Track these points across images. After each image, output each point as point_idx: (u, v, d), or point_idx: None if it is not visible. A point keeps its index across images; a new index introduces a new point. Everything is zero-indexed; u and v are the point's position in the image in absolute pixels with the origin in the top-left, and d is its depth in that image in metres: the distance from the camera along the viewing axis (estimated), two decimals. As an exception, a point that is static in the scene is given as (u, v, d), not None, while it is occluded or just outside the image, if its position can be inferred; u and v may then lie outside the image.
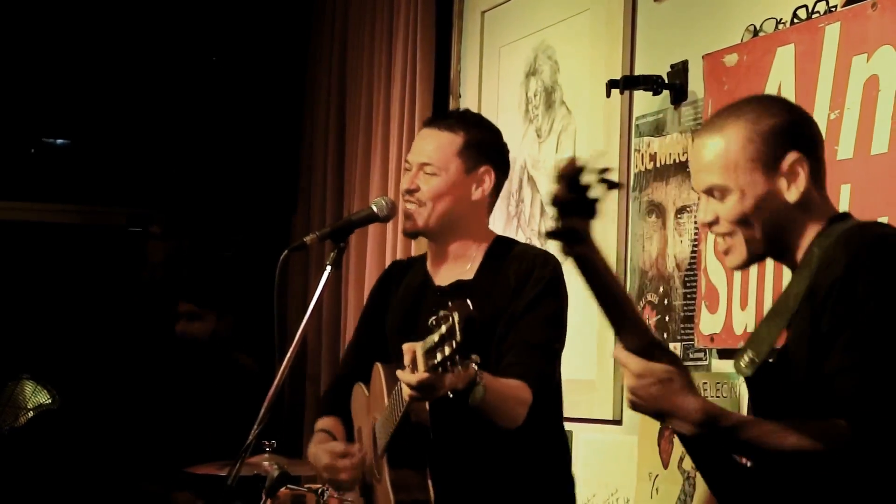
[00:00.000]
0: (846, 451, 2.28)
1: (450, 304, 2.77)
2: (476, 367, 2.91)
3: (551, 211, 2.19)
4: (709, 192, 2.50)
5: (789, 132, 2.48)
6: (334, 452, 3.37)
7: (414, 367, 2.87)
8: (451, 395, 2.94)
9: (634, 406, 2.36)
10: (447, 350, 2.73)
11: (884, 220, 3.17)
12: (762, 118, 2.48)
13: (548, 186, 2.21)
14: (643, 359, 2.32)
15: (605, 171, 2.17)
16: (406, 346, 2.91)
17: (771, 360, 2.42)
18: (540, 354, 3.24)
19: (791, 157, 2.45)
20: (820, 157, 2.52)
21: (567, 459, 3.45)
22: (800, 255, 2.48)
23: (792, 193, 2.46)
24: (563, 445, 3.44)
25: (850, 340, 2.30)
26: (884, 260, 2.33)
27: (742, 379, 2.54)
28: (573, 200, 2.17)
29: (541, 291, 3.27)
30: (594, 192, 2.17)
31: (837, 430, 2.28)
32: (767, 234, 2.47)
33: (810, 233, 2.47)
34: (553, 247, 2.27)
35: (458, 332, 2.71)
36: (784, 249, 2.50)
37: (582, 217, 2.19)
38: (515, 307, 3.26)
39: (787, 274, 2.54)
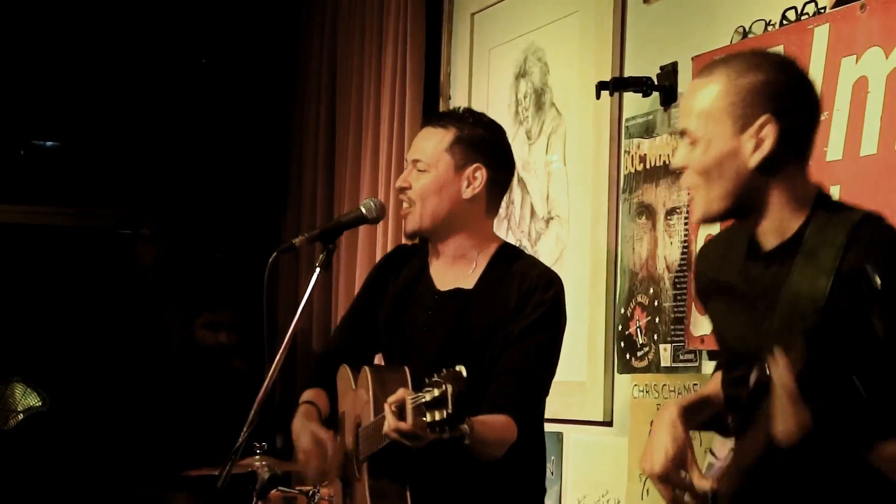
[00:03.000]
0: None
1: (444, 372, 2.82)
2: (468, 429, 2.95)
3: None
4: (683, 134, 2.46)
5: (768, 94, 2.40)
6: (316, 438, 3.38)
7: (401, 412, 2.92)
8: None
9: None
10: (437, 416, 2.81)
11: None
12: (746, 73, 2.41)
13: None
14: None
15: None
16: (400, 392, 2.96)
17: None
18: (528, 385, 3.24)
19: (761, 118, 2.39)
20: (804, 127, 2.44)
21: (542, 474, 3.45)
22: (770, 224, 2.42)
23: (754, 157, 2.39)
24: (541, 462, 3.44)
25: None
26: None
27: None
28: None
29: (538, 318, 3.25)
30: None
31: None
32: (728, 193, 2.42)
33: (782, 203, 2.41)
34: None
35: (450, 405, 2.79)
36: (747, 211, 2.44)
37: None
38: (511, 330, 3.25)
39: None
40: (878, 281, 2.21)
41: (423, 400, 2.83)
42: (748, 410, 2.36)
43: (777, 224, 2.43)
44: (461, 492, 3.27)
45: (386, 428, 2.96)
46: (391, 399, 2.96)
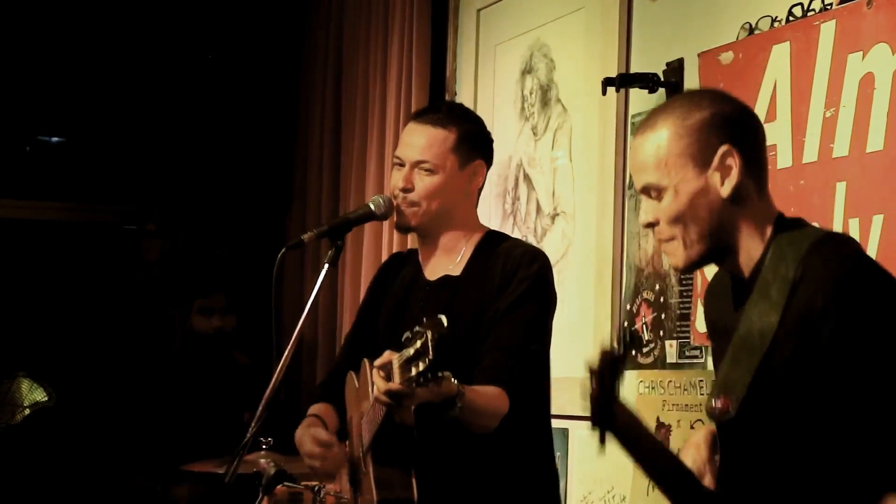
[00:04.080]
0: None
1: (425, 320, 2.81)
2: (457, 384, 2.95)
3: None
4: (645, 191, 2.43)
5: (719, 125, 2.39)
6: (317, 440, 3.39)
7: (389, 376, 2.91)
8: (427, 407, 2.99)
9: None
10: (421, 366, 2.78)
11: (879, 217, 3.18)
12: (691, 112, 2.40)
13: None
14: None
15: (631, 343, 2.21)
16: (386, 354, 2.95)
17: (746, 403, 2.33)
18: (518, 358, 3.22)
19: (722, 149, 2.37)
20: (757, 151, 2.43)
21: (550, 458, 3.44)
22: (742, 258, 2.40)
23: (725, 188, 2.37)
24: (547, 445, 3.42)
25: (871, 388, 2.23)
26: (870, 297, 2.26)
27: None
28: (609, 388, 2.20)
29: (523, 293, 3.26)
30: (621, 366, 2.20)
31: None
32: (705, 233, 2.39)
33: (749, 233, 2.39)
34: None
35: (430, 351, 2.76)
36: (723, 250, 2.41)
37: (614, 394, 2.22)
38: (497, 307, 3.25)
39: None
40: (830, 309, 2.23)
41: (408, 355, 2.82)
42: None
43: (746, 256, 2.41)
44: (467, 478, 3.27)
45: (375, 392, 2.96)
46: (377, 362, 2.95)
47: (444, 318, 2.77)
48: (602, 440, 2.27)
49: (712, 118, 2.39)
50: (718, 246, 2.40)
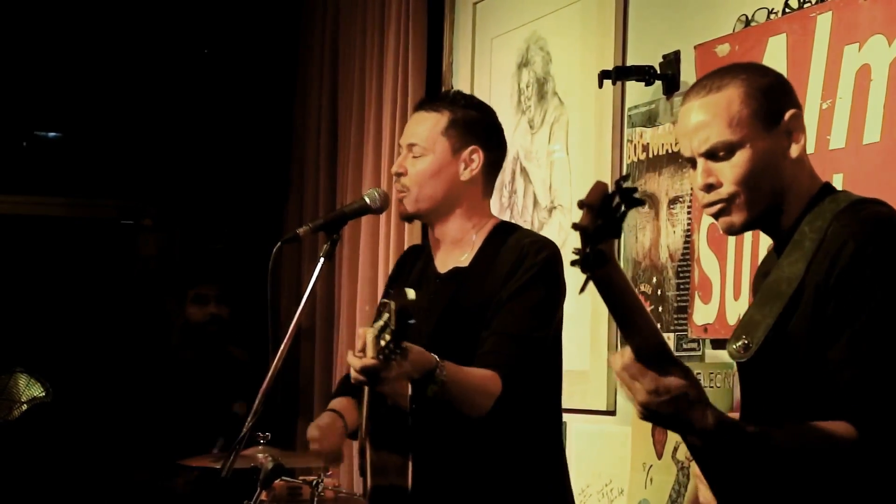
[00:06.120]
0: (853, 453, 2.27)
1: (391, 292, 2.80)
2: (435, 358, 2.95)
3: (577, 237, 2.10)
4: (712, 152, 2.44)
5: (788, 90, 2.49)
6: (320, 425, 3.38)
7: (365, 352, 2.92)
8: (410, 386, 2.99)
9: (646, 419, 2.28)
10: (387, 337, 2.79)
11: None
12: (757, 77, 2.47)
13: (573, 214, 2.12)
14: (652, 370, 2.23)
15: (632, 190, 2.07)
16: (360, 331, 2.95)
17: (765, 345, 2.39)
18: (517, 344, 3.19)
19: (790, 112, 2.45)
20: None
21: (558, 449, 3.40)
22: (785, 218, 2.46)
23: (794, 150, 2.45)
24: (555, 436, 3.39)
25: (858, 334, 2.28)
26: (890, 249, 2.32)
27: (734, 368, 2.54)
28: (600, 227, 2.08)
29: (529, 280, 3.24)
30: (620, 213, 2.07)
31: (845, 433, 2.27)
32: (770, 192, 2.44)
33: (797, 199, 2.45)
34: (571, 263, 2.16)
35: (393, 322, 2.76)
36: (778, 212, 2.46)
37: (608, 239, 2.10)
38: (502, 294, 3.24)
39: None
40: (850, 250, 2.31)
41: (378, 328, 2.82)
42: None
43: (788, 216, 2.47)
44: (465, 466, 3.25)
45: (352, 372, 2.96)
46: (358, 343, 2.95)
47: (410, 291, 2.77)
48: (583, 287, 2.11)
49: (777, 83, 2.49)
50: (777, 207, 2.46)
